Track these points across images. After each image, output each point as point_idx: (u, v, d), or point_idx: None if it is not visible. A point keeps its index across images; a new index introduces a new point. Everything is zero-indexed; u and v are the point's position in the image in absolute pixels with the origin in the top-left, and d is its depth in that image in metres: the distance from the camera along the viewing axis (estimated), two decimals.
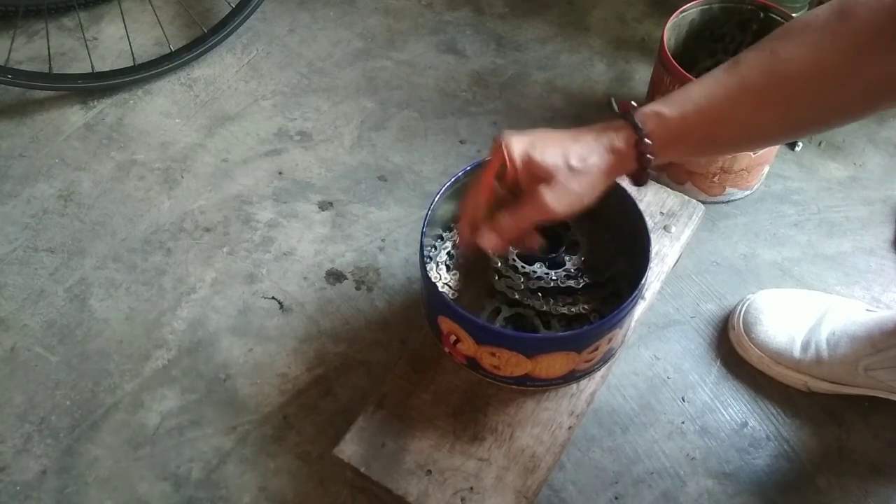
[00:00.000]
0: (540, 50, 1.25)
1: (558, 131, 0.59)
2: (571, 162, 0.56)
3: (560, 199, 0.57)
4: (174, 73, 1.22)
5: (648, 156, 0.56)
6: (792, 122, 0.54)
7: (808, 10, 1.15)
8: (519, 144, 0.58)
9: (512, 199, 0.61)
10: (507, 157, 0.58)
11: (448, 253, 0.77)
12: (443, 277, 0.75)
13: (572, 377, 0.71)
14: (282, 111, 1.17)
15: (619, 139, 0.57)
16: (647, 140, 0.56)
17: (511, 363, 0.67)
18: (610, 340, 0.69)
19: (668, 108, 0.55)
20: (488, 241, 0.61)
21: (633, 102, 0.58)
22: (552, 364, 0.68)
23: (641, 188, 0.90)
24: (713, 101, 0.54)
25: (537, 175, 0.57)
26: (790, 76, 0.51)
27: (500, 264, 0.74)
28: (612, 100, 0.59)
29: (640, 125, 0.56)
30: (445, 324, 0.69)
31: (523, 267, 0.74)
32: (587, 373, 0.72)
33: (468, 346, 0.68)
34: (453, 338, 0.69)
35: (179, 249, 1.00)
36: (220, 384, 0.87)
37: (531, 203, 0.58)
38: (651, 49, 1.23)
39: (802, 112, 0.53)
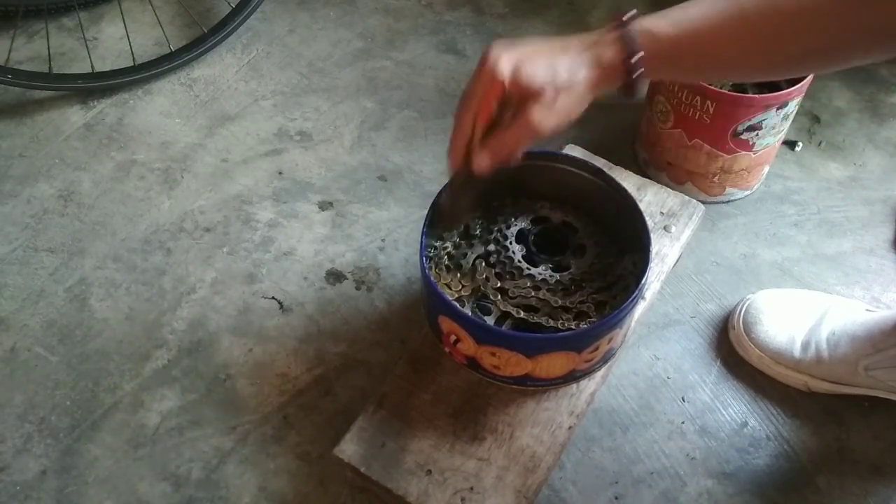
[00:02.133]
0: None
1: (546, 42, 0.58)
2: (560, 78, 0.56)
3: (549, 118, 0.57)
4: (174, 73, 1.22)
5: (637, 72, 0.56)
6: (781, 58, 0.54)
7: None
8: (508, 61, 0.57)
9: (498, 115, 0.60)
10: (495, 75, 0.57)
11: (448, 254, 0.77)
12: (443, 277, 0.75)
13: (572, 377, 0.71)
14: (282, 111, 1.17)
15: (608, 53, 0.56)
16: (636, 58, 0.55)
17: (511, 363, 0.67)
18: (610, 340, 0.69)
19: (662, 26, 0.55)
20: (482, 163, 0.60)
21: (629, 14, 0.57)
22: (552, 364, 0.68)
23: (641, 190, 0.90)
24: (708, 25, 0.54)
25: (526, 92, 0.56)
26: (787, 11, 0.51)
27: (506, 265, 0.74)
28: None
29: (631, 42, 0.55)
30: (445, 324, 0.69)
31: (528, 269, 0.74)
32: (587, 373, 0.72)
33: (468, 345, 0.68)
34: (453, 338, 0.69)
35: (179, 249, 1.00)
36: (220, 384, 0.87)
37: (521, 123, 0.57)
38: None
39: (793, 49, 0.53)
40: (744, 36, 0.53)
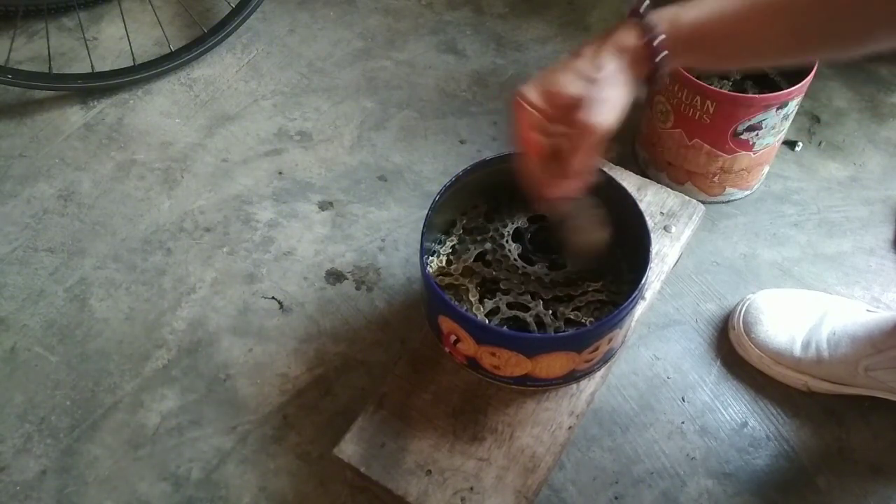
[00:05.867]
0: (540, 50, 1.25)
1: (561, 61, 0.57)
2: (589, 75, 0.55)
3: (602, 114, 0.55)
4: (174, 73, 1.22)
5: (661, 55, 0.56)
6: (799, 44, 0.55)
7: None
8: (534, 90, 0.56)
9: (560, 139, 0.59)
10: (528, 107, 0.56)
11: (453, 247, 0.77)
12: (443, 270, 0.75)
13: (572, 377, 0.71)
14: (282, 111, 1.17)
15: (628, 37, 0.56)
16: (658, 40, 0.55)
17: (511, 363, 0.67)
18: (610, 341, 0.69)
19: (682, 12, 0.55)
20: (568, 188, 0.59)
21: (643, 4, 0.56)
22: (552, 364, 0.68)
23: (641, 190, 0.90)
24: (726, 11, 0.54)
25: (568, 106, 0.56)
26: None
27: (501, 263, 0.74)
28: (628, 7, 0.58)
29: (651, 24, 0.55)
30: (446, 324, 0.69)
31: (524, 267, 0.74)
32: (587, 373, 0.72)
33: (468, 345, 0.68)
34: (453, 338, 0.69)
35: (179, 249, 1.00)
36: (220, 384, 0.87)
37: (579, 133, 0.56)
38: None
39: (809, 35, 0.53)
40: (760, 22, 0.53)
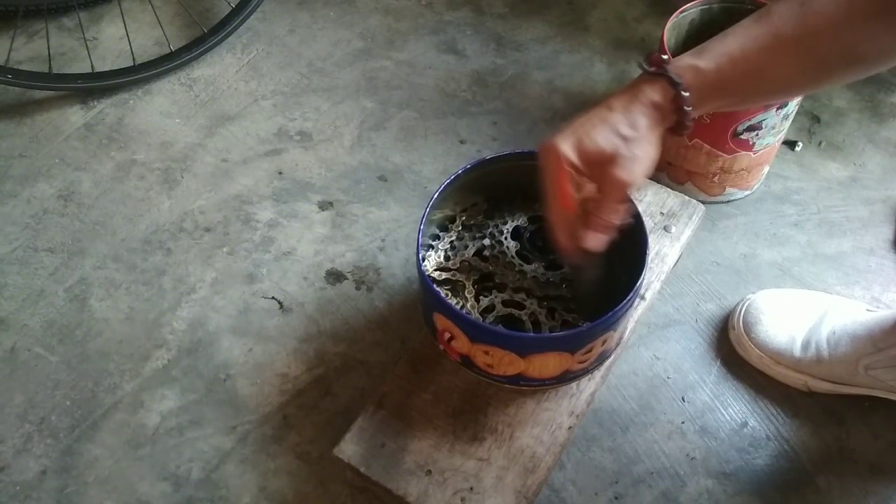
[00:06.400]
0: (540, 50, 1.25)
1: (591, 112, 0.59)
2: (623, 133, 0.56)
3: (633, 171, 0.57)
4: (174, 73, 1.22)
5: (687, 109, 0.57)
6: (823, 73, 0.55)
7: None
8: (567, 144, 0.57)
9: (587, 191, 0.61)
10: (563, 163, 0.57)
11: (451, 243, 0.77)
12: (441, 266, 0.75)
13: (566, 378, 0.71)
14: (282, 111, 1.17)
15: (655, 93, 0.57)
16: (684, 94, 0.56)
17: (504, 362, 0.67)
18: (604, 342, 0.69)
19: (703, 61, 0.56)
20: (595, 242, 0.60)
21: (664, 55, 0.58)
22: (545, 364, 0.68)
23: (641, 190, 0.90)
24: (747, 53, 0.54)
25: (600, 161, 0.57)
26: (822, 28, 0.52)
27: (499, 260, 0.74)
28: (640, 62, 0.59)
29: (676, 79, 0.56)
30: (440, 321, 0.69)
31: (521, 265, 0.74)
32: (581, 374, 0.72)
33: (462, 343, 0.68)
34: (448, 335, 0.69)
35: (179, 249, 1.00)
36: (220, 384, 0.87)
37: (609, 188, 0.57)
38: (651, 49, 1.23)
39: (834, 63, 0.54)
40: (784, 59, 0.54)
